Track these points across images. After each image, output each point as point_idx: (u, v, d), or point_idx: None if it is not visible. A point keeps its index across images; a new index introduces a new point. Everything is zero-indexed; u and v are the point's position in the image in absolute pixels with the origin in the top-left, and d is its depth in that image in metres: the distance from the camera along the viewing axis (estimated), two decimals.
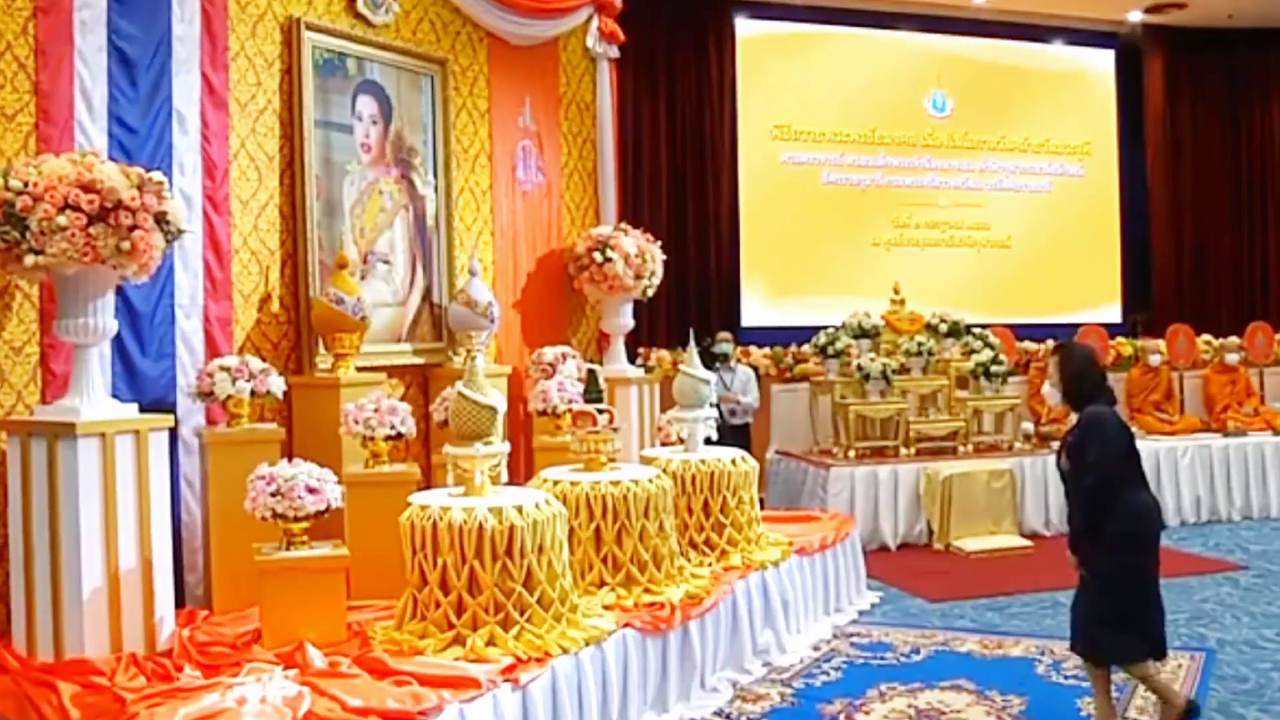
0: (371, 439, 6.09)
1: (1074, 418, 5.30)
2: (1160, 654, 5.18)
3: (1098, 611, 5.11)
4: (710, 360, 9.37)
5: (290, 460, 5.28)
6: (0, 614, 5.09)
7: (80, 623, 4.73)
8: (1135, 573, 5.11)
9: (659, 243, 9.08)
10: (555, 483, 5.92)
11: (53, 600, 4.75)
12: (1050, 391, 5.40)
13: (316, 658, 4.78)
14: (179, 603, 5.36)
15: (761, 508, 7.27)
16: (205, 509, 5.93)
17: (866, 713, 5.70)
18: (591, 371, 7.14)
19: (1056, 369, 5.32)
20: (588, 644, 5.09)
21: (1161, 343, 11.98)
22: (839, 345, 10.43)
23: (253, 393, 5.93)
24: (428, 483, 6.46)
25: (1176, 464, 10.62)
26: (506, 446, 5.37)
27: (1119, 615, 5.08)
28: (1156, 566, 5.18)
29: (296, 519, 5.10)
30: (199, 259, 6.18)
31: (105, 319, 4.97)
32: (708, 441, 7.00)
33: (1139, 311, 14.15)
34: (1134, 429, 10.74)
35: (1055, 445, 10.27)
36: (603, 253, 8.59)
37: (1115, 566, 5.07)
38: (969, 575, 8.66)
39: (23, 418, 5.10)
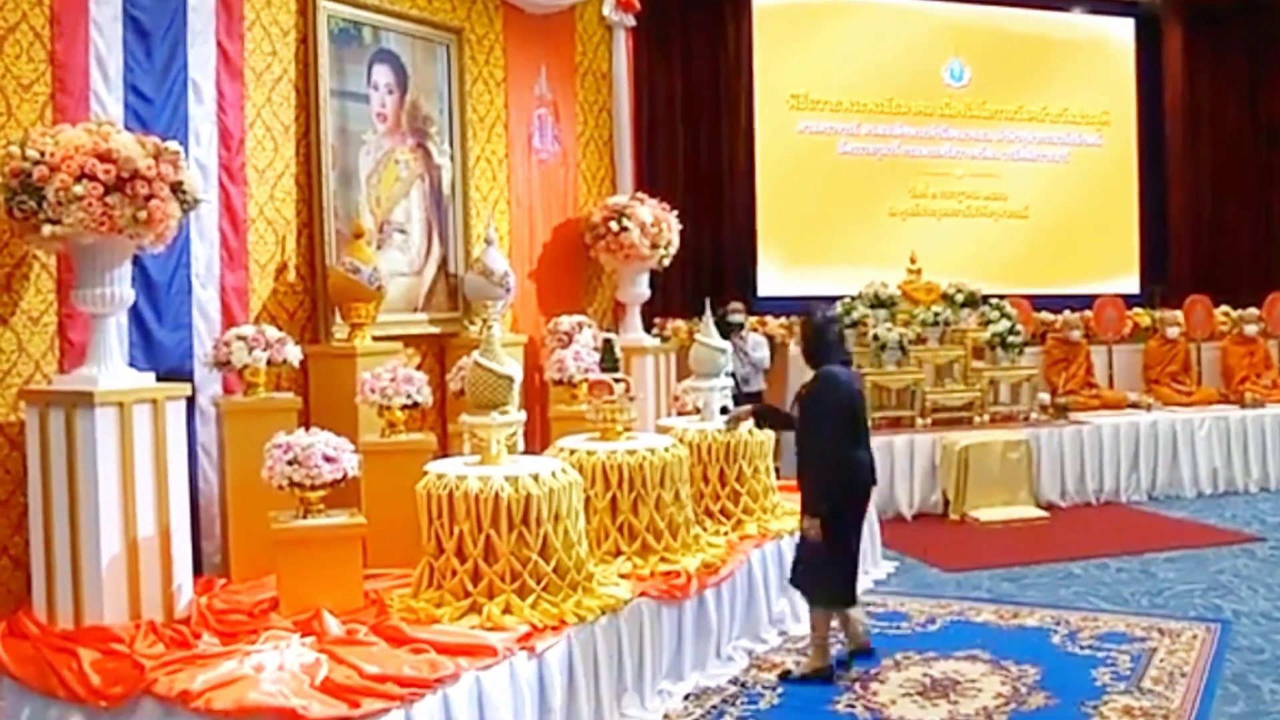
0: (388, 408, 6.10)
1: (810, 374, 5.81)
2: (853, 602, 5.85)
3: (829, 559, 5.61)
4: (725, 330, 9.35)
5: (307, 429, 5.30)
6: (21, 581, 5.13)
7: (99, 590, 4.76)
8: (855, 522, 5.75)
9: (675, 212, 9.06)
10: (571, 452, 5.94)
11: (72, 568, 4.78)
12: (797, 353, 5.71)
13: (334, 625, 4.81)
14: (197, 570, 5.38)
15: (777, 477, 7.27)
16: (222, 478, 5.96)
17: (882, 681, 5.72)
18: (607, 341, 7.14)
19: (799, 331, 5.64)
20: (604, 613, 5.12)
21: (1179, 314, 11.90)
22: (856, 315, 10.41)
23: (269, 362, 5.94)
24: (444, 452, 6.47)
25: (1194, 436, 10.56)
26: (522, 415, 5.38)
27: (849, 561, 5.73)
28: (861, 519, 5.85)
29: (313, 487, 5.12)
30: (215, 229, 6.19)
31: (122, 288, 4.98)
32: (724, 411, 7.00)
33: (1156, 283, 14.04)
34: (1150, 399, 10.94)
35: (1072, 416, 10.39)
36: (619, 222, 8.57)
37: (841, 516, 5.62)
38: (985, 545, 8.66)
39: (41, 387, 5.12)
